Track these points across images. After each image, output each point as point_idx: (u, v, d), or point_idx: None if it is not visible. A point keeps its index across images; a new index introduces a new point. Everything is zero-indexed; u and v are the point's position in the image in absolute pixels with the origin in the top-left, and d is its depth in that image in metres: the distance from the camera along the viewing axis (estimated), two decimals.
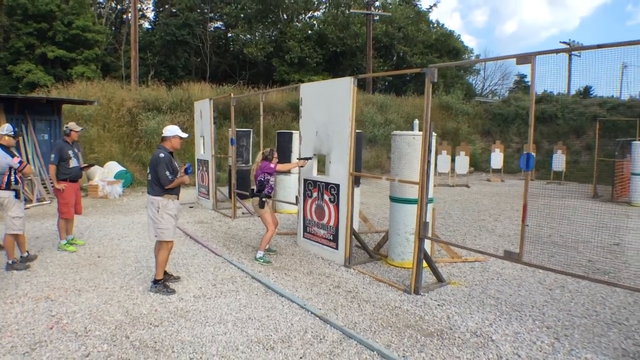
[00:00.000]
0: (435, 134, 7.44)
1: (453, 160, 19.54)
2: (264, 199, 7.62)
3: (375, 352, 4.64)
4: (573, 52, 32.45)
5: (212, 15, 36.70)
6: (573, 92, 30.87)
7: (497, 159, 20.74)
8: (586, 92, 32.62)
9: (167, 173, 6.09)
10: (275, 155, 7.77)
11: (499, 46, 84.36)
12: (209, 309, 5.67)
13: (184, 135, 6.44)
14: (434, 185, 18.49)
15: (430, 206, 7.04)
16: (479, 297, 6.24)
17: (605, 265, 7.72)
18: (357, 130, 8.53)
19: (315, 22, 37.24)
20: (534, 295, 6.36)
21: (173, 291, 6.18)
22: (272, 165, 7.56)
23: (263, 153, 7.73)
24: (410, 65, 34.81)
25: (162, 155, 6.16)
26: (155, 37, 34.05)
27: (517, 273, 7.30)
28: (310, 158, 8.10)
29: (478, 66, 43.85)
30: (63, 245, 8.05)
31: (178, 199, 6.39)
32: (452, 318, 5.51)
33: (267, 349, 4.68)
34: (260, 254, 7.70)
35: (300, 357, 4.54)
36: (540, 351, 4.73)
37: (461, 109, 26.88)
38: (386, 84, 36.79)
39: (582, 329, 5.30)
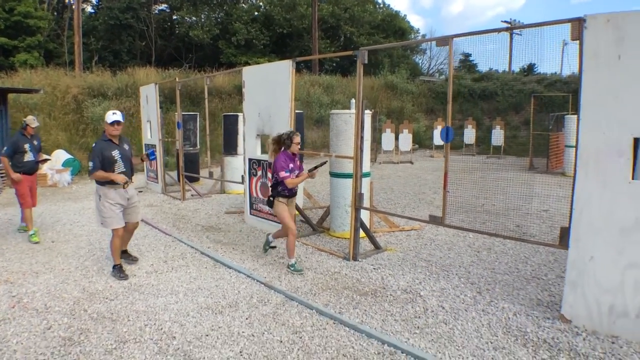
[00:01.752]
0: (371, 112, 7.94)
1: (397, 138, 20.20)
2: (272, 198, 6.37)
3: (314, 310, 5.14)
4: (514, 31, 33.50)
5: None
6: (517, 69, 32.01)
7: (438, 135, 21.52)
8: (530, 69, 33.81)
9: (91, 163, 5.95)
10: (297, 140, 6.29)
11: (446, 26, 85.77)
12: (161, 282, 6.04)
13: (108, 119, 6.05)
14: (380, 162, 19.32)
15: (367, 180, 7.56)
16: (412, 260, 6.82)
17: (532, 229, 8.43)
18: (298, 111, 8.96)
19: (261, 3, 37.17)
20: (462, 257, 6.99)
21: (125, 277, 6.16)
22: (280, 175, 6.18)
23: (279, 136, 6.42)
24: (357, 46, 35.22)
25: (94, 143, 6.17)
26: (98, 22, 33.38)
27: (449, 239, 7.93)
28: (324, 163, 6.95)
29: (424, 46, 44.67)
30: (31, 236, 8.01)
31: (125, 187, 6.15)
32: (386, 279, 6.07)
33: (215, 313, 5.11)
34: (292, 260, 6.37)
35: (246, 318, 4.98)
36: (463, 303, 5.33)
37: (406, 88, 27.61)
38: (334, 65, 37.26)
39: (503, 284, 5.92)
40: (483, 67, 34.38)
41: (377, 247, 7.22)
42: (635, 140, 4.26)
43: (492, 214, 9.64)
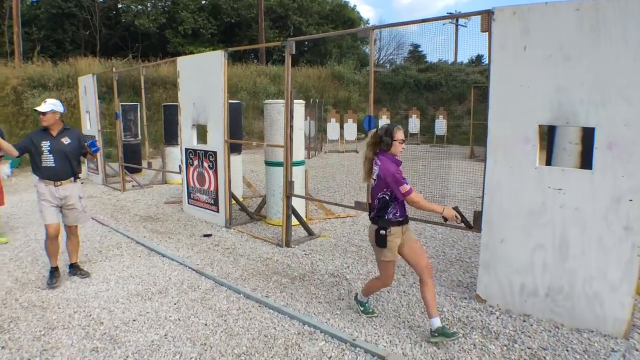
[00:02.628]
0: (303, 101, 8.08)
1: (342, 127, 20.44)
2: (384, 231, 4.27)
3: (241, 295, 5.28)
4: (459, 23, 34.03)
5: None
6: (466, 60, 32.59)
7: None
8: (479, 60, 34.50)
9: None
10: (399, 136, 4.32)
11: (397, 16, 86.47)
12: (94, 271, 6.06)
13: (39, 109, 5.52)
14: (326, 152, 19.51)
15: (301, 168, 7.71)
16: (344, 246, 7.01)
17: (465, 214, 8.71)
18: (236, 101, 9.02)
19: None
20: None
21: (55, 286, 5.59)
22: (402, 189, 4.19)
23: (374, 136, 4.37)
24: (306, 36, 35.32)
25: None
26: (40, 10, 32.36)
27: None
28: (469, 225, 5.12)
29: (375, 36, 44.94)
30: None
31: (56, 184, 5.61)
32: (315, 264, 6.24)
33: (145, 300, 5.19)
34: (363, 298, 4.83)
35: (175, 304, 5.09)
36: None
37: (352, 78, 27.87)
38: (282, 55, 37.13)
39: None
40: (433, 58, 34.96)
41: (310, 233, 7.38)
42: (541, 127, 4.53)
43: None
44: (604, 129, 4.18)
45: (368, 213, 4.64)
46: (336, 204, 7.10)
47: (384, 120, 21.81)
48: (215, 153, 7.93)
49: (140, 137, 14.25)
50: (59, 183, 5.61)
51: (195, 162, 8.45)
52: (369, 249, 6.89)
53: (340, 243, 7.16)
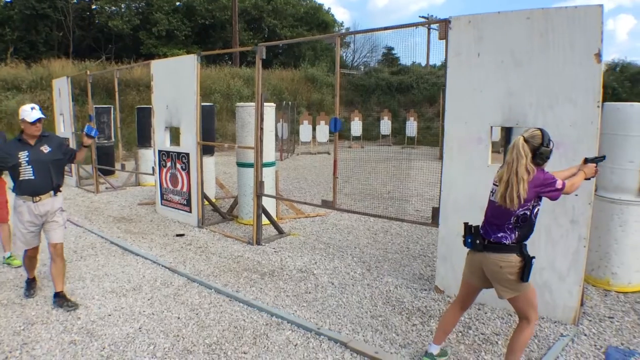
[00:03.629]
0: (274, 104, 8.32)
1: (315, 129, 20.72)
2: (524, 260, 3.43)
3: (212, 290, 5.50)
4: (431, 27, 34.46)
5: None
6: (439, 63, 33.05)
7: (356, 127, 22.21)
8: None
9: None
10: (552, 146, 3.48)
11: (371, 19, 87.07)
12: (70, 270, 6.19)
13: (28, 117, 4.86)
14: (298, 154, 19.74)
15: (271, 169, 7.96)
16: (312, 243, 7.27)
17: (429, 212, 9.03)
18: (209, 104, 9.23)
19: None
20: (359, 239, 7.51)
21: (31, 295, 5.35)
22: (558, 185, 3.43)
23: (527, 141, 3.40)
24: (281, 38, 35.56)
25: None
26: (14, 11, 32.00)
27: (351, 223, 8.44)
28: (603, 158, 4.16)
29: (348, 39, 45.35)
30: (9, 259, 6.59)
31: (39, 198, 4.99)
32: (285, 261, 6.48)
33: (119, 296, 5.38)
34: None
35: (149, 299, 5.29)
36: (352, 279, 5.82)
37: (326, 80, 28.15)
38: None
39: (392, 262, 6.47)
40: (407, 61, 35.42)
41: (280, 232, 7.62)
42: (491, 128, 4.84)
43: (396, 200, 10.25)
44: (552, 129, 4.48)
45: (475, 232, 3.69)
46: (304, 203, 7.41)
47: (356, 122, 22.17)
48: (188, 155, 8.13)
49: (113, 139, 14.34)
50: (37, 198, 4.95)
51: (169, 164, 8.63)
52: (337, 245, 7.18)
53: (309, 241, 7.42)
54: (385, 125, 22.81)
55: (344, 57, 44.74)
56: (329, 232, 7.94)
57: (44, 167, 4.97)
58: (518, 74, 4.66)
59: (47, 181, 5.00)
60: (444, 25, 5.04)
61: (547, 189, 3.41)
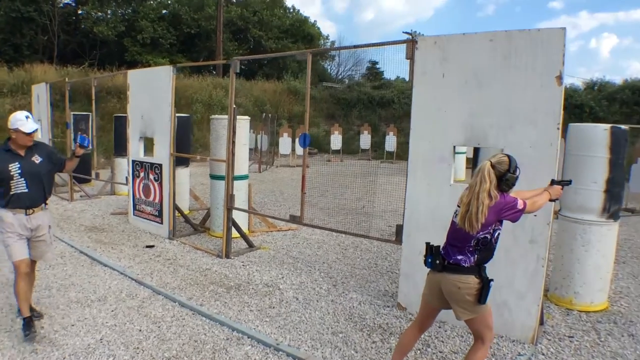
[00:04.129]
0: (248, 118, 8.35)
1: (294, 142, 20.75)
2: (482, 282, 3.47)
3: (176, 303, 5.50)
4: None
5: None
6: None
7: (336, 141, 22.30)
8: None
9: None
10: (518, 173, 3.50)
11: (358, 33, 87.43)
12: (37, 278, 6.09)
13: (24, 128, 4.54)
14: (277, 166, 19.75)
15: (244, 182, 7.98)
16: (281, 258, 7.29)
17: (394, 228, 9.12)
18: (186, 115, 9.25)
19: (169, 1, 36.75)
20: (329, 254, 7.54)
21: (33, 335, 4.60)
22: (519, 206, 3.44)
23: (494, 166, 3.43)
24: (265, 50, 35.70)
25: None
26: None
27: (322, 238, 8.47)
28: (569, 182, 4.20)
29: (333, 52, 45.64)
30: None
31: (32, 211, 4.72)
32: (252, 275, 6.49)
33: (84, 306, 5.38)
34: None
35: (112, 311, 5.28)
36: (317, 294, 5.85)
37: None
38: (242, 67, 37.29)
39: (358, 277, 6.50)
40: (391, 75, 35.61)
41: (250, 245, 7.63)
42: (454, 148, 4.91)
43: (369, 215, 10.29)
44: (512, 150, 4.56)
45: (435, 252, 3.70)
46: (272, 217, 7.46)
47: (336, 136, 22.24)
48: (160, 166, 8.13)
49: (90, 147, 14.24)
50: (30, 211, 4.68)
51: (142, 174, 8.62)
52: (305, 260, 7.20)
53: (279, 255, 7.43)
54: (365, 140, 22.93)
55: (329, 70, 44.97)
56: (300, 246, 7.97)
57: (37, 178, 4.70)
58: (481, 95, 4.74)
59: (40, 194, 4.76)
60: (411, 45, 5.13)
61: (508, 212, 3.42)
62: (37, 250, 4.88)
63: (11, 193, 4.57)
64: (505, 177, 3.41)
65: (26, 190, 4.61)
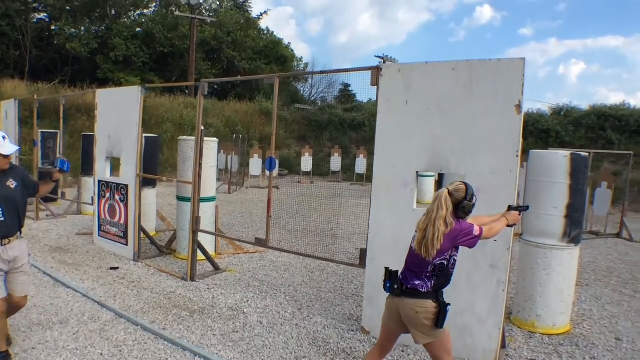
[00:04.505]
0: (216, 139, 8.35)
1: (265, 163, 20.78)
2: (439, 307, 3.53)
3: (139, 327, 5.44)
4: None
5: (35, 5, 34.41)
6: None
7: (307, 162, 22.38)
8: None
9: None
10: (475, 201, 3.61)
11: (332, 55, 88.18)
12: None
13: (4, 150, 4.20)
14: (247, 187, 19.70)
15: (211, 204, 7.96)
16: (247, 281, 7.26)
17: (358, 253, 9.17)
18: (154, 135, 9.22)
19: (143, 20, 36.67)
20: (295, 277, 7.54)
21: None
22: (475, 232, 3.51)
23: (451, 194, 3.54)
24: (239, 70, 35.79)
25: None
26: None
27: (289, 260, 8.46)
28: (527, 208, 4.35)
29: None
30: None
31: (8, 241, 4.31)
32: (217, 298, 6.45)
33: (45, 329, 5.29)
34: None
35: (74, 334, 5.20)
36: (281, 318, 5.83)
37: (279, 115, 28.29)
38: (215, 87, 37.35)
39: (324, 301, 6.51)
40: (364, 97, 35.80)
41: (216, 268, 7.59)
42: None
43: (337, 238, 10.32)
44: (473, 176, 4.66)
45: (393, 277, 3.72)
46: (238, 240, 7.41)
47: (307, 158, 22.31)
48: (127, 186, 8.07)
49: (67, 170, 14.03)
50: (6, 241, 4.28)
51: (107, 195, 8.54)
52: (272, 283, 7.18)
53: (245, 278, 7.40)
54: (336, 162, 23.04)
55: (302, 92, 45.22)
56: (266, 269, 7.95)
57: (13, 204, 4.31)
58: (443, 122, 4.84)
59: (15, 221, 4.35)
60: (376, 73, 5.22)
61: (464, 238, 3.49)
62: (17, 283, 4.42)
63: None
64: (462, 205, 3.51)
65: (2, 219, 4.21)
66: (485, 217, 3.92)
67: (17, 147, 4.44)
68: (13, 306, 4.51)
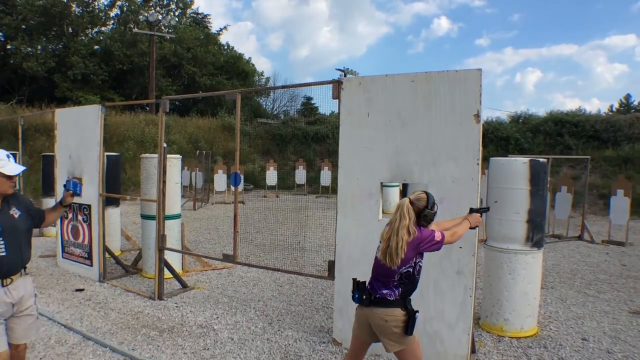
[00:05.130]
0: (179, 156, 8.31)
1: (229, 178, 20.69)
2: (408, 315, 3.59)
3: (108, 349, 5.34)
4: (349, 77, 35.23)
5: None
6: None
7: (272, 176, 22.38)
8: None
9: None
10: (436, 209, 3.69)
11: (293, 69, 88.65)
12: None
13: (9, 170, 3.59)
14: (213, 203, 19.58)
15: (176, 221, 7.90)
16: (216, 297, 7.21)
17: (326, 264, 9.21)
18: (116, 153, 9.12)
19: (102, 37, 36.23)
20: (264, 292, 7.52)
21: None
22: (437, 238, 3.57)
23: (412, 203, 3.61)
24: (200, 86, 35.65)
25: None
26: None
27: (257, 275, 8.43)
28: (487, 209, 4.58)
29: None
30: None
31: (5, 283, 3.64)
32: (186, 316, 6.39)
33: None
34: None
35: (41, 359, 5.11)
36: (252, 333, 5.81)
37: (242, 129, 28.27)
38: (176, 103, 37.09)
39: (294, 314, 6.51)
40: (327, 110, 35.93)
41: (184, 286, 7.52)
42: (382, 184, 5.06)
43: (305, 251, 10.34)
44: (436, 185, 4.76)
45: (361, 288, 3.76)
46: (206, 257, 7.37)
47: (271, 172, 22.29)
48: (89, 206, 7.95)
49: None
50: (8, 281, 3.64)
51: (70, 215, 8.40)
52: (241, 299, 7.15)
53: (213, 295, 7.35)
54: (301, 175, 23.09)
55: (264, 106, 45.21)
56: (235, 284, 7.92)
57: (17, 237, 3.68)
58: (404, 134, 4.94)
59: (18, 257, 3.71)
60: (337, 86, 5.29)
61: (427, 244, 3.54)
62: (22, 328, 3.77)
63: None
64: (424, 213, 3.59)
65: (4, 254, 3.56)
66: (448, 222, 4.01)
67: (24, 168, 3.83)
68: (15, 355, 3.83)
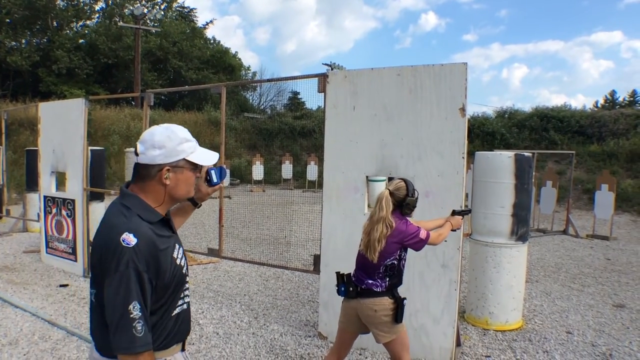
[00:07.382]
0: None
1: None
2: (397, 305, 3.58)
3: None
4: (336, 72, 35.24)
5: None
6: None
7: (258, 171, 22.36)
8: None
9: (133, 310, 1.82)
10: (417, 195, 3.71)
11: (280, 64, 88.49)
12: None
13: (207, 161, 2.24)
14: None
15: None
16: (202, 292, 7.19)
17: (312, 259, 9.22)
18: (100, 148, 9.04)
19: (87, 31, 35.86)
20: (250, 286, 7.51)
21: None
22: (421, 235, 3.55)
23: (392, 194, 3.59)
24: (186, 80, 35.43)
25: (125, 239, 1.88)
26: None
27: (243, 270, 8.42)
28: (469, 211, 4.30)
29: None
30: None
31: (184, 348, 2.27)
32: None
33: None
34: None
35: (25, 355, 5.04)
36: (238, 328, 5.79)
37: (229, 124, 28.17)
38: (162, 97, 36.86)
39: (280, 308, 6.50)
40: (313, 105, 35.93)
41: None
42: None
43: (292, 245, 10.35)
44: (421, 179, 4.77)
45: (348, 281, 3.73)
46: (190, 251, 7.33)
47: (258, 166, 22.26)
48: (73, 201, 7.88)
49: (1, 182, 13.61)
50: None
51: (54, 210, 8.32)
52: (226, 293, 7.14)
53: (199, 289, 7.32)
54: (287, 169, 23.09)
55: (251, 100, 45.09)
56: (220, 279, 7.90)
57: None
58: (389, 127, 4.94)
59: None
60: (323, 80, 5.27)
61: (411, 240, 3.52)
62: None
63: (174, 314, 2.13)
64: (406, 202, 3.57)
65: (186, 308, 2.26)
66: (430, 222, 4.01)
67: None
68: None
